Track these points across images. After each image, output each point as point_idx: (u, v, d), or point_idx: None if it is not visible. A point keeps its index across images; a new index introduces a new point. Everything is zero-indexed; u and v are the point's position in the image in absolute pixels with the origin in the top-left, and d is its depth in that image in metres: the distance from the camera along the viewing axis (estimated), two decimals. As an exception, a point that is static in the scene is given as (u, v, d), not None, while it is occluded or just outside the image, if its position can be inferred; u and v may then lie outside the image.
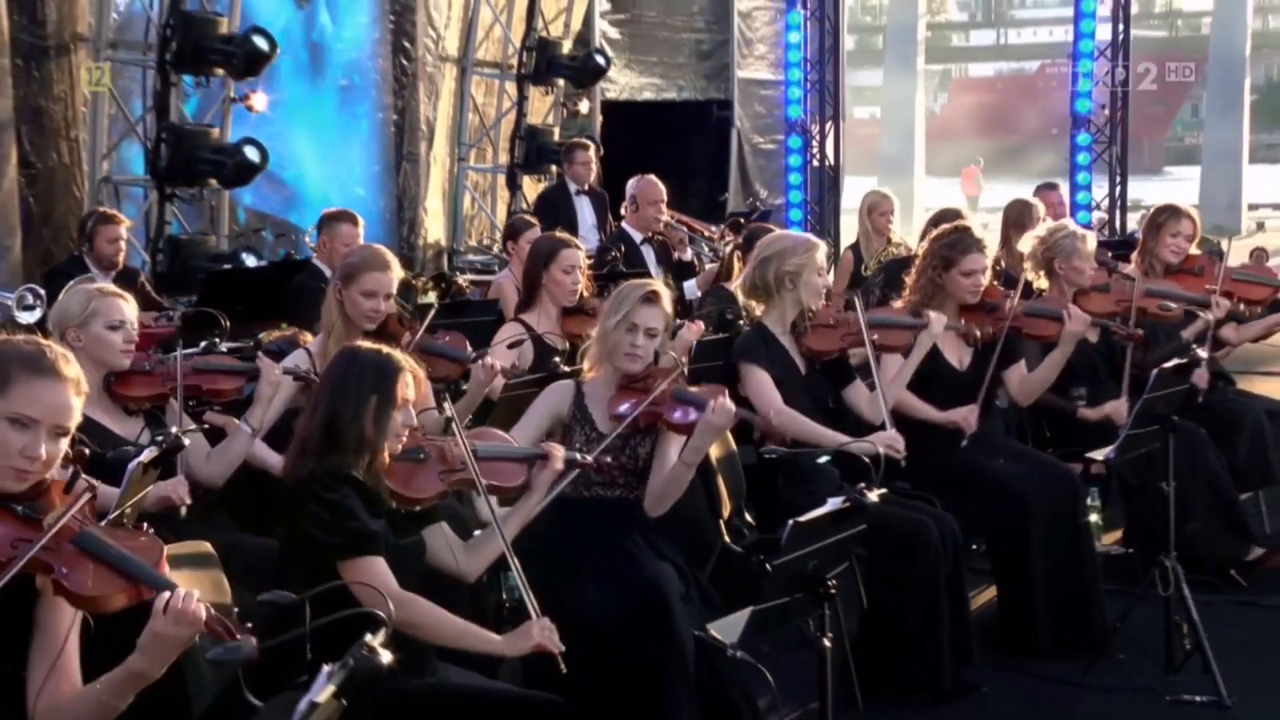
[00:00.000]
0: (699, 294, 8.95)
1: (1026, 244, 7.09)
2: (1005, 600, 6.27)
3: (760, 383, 5.87)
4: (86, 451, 4.17)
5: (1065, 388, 6.77)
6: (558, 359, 5.97)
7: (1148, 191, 25.78)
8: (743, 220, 11.38)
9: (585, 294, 6.75)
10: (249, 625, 3.14)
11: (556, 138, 14.35)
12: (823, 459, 5.12)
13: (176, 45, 10.62)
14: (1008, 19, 58.67)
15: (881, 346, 6.10)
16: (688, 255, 10.14)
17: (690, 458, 4.96)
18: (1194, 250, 7.59)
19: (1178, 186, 33.23)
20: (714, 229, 11.12)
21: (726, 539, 5.78)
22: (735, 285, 7.01)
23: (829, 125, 17.04)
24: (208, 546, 4.29)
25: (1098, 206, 16.09)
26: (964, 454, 6.16)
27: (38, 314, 7.39)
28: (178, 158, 10.65)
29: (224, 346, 5.76)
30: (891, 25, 42.37)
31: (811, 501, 4.38)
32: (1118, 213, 16.13)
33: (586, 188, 11.31)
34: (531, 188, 14.21)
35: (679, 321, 6.71)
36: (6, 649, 3.20)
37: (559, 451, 4.55)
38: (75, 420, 3.23)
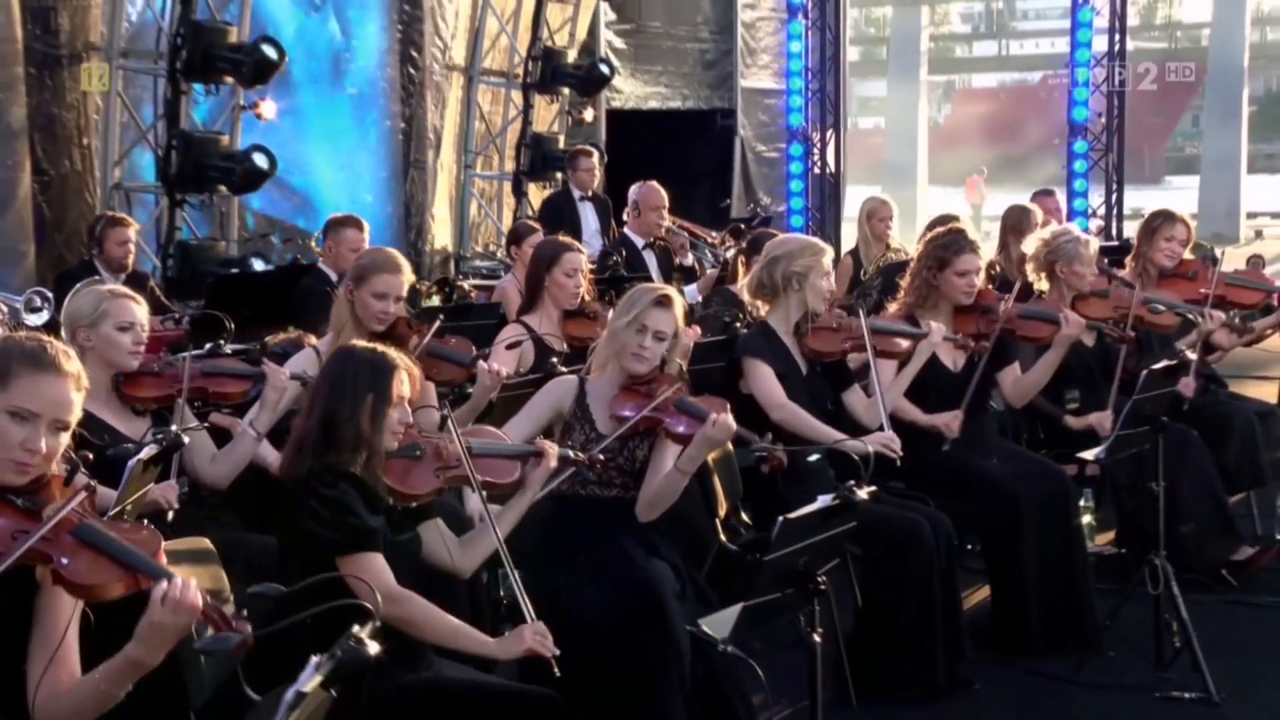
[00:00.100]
0: (700, 298, 8.95)
1: (1030, 246, 7.11)
2: (998, 598, 6.28)
3: (764, 378, 5.89)
4: (90, 456, 4.19)
5: (1059, 391, 6.77)
6: (555, 360, 5.96)
7: (1147, 201, 25.69)
8: (744, 226, 11.39)
9: (586, 298, 6.75)
10: (244, 612, 3.15)
11: (561, 145, 14.36)
12: (813, 457, 5.12)
13: (187, 54, 10.62)
14: (1010, 30, 58.65)
15: (881, 353, 6.11)
16: (689, 260, 10.16)
17: (686, 466, 4.95)
18: (1188, 255, 7.59)
19: (1177, 196, 33.20)
20: (715, 234, 11.11)
21: (723, 538, 5.77)
22: (740, 286, 7.03)
23: (829, 133, 17.07)
24: (207, 543, 4.30)
25: (1094, 213, 16.08)
26: (957, 454, 6.17)
27: (45, 316, 7.40)
28: (188, 164, 10.67)
29: (229, 349, 5.76)
30: (895, 37, 42.48)
31: (807, 501, 4.37)
32: (1114, 219, 16.11)
33: (590, 194, 11.32)
34: (537, 195, 14.21)
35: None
36: (6, 641, 3.20)
37: (553, 449, 4.55)
38: (75, 415, 3.24)
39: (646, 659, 4.62)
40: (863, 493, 4.32)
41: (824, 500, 4.25)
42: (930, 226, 7.55)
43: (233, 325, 6.33)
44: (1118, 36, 16.04)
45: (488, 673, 4.59)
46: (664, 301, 5.06)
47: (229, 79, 10.85)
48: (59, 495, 3.16)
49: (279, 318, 7.68)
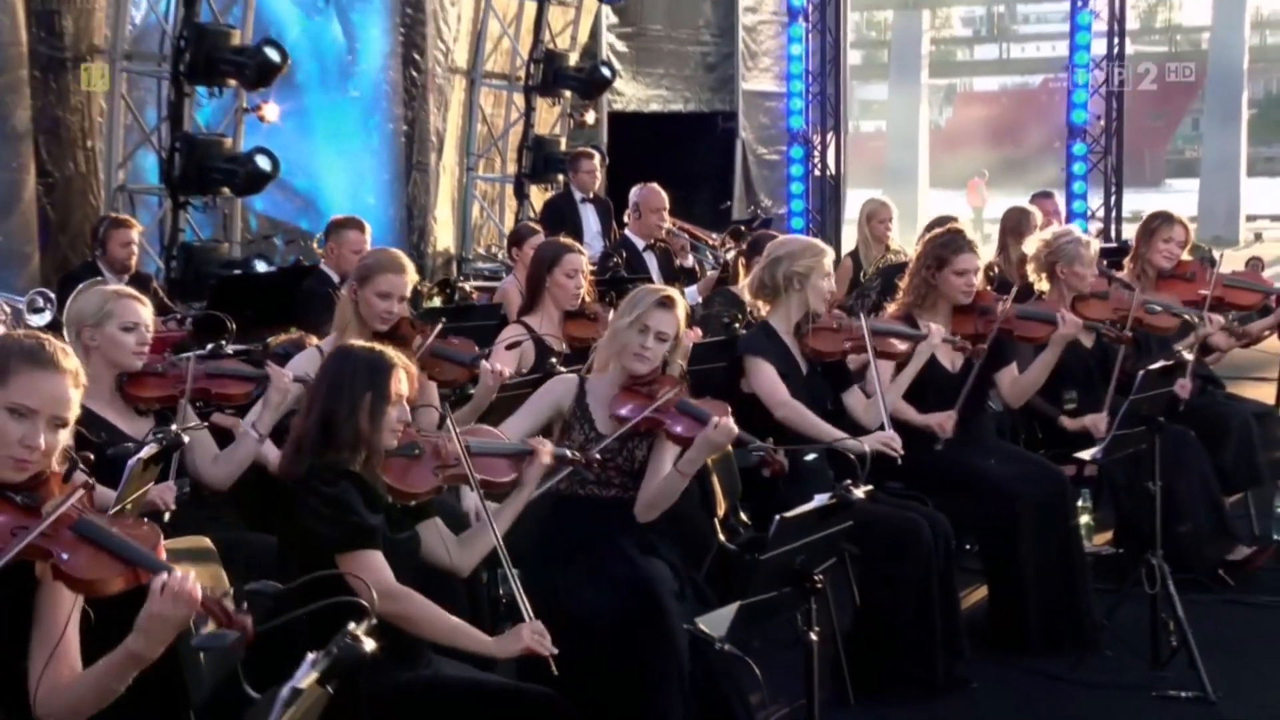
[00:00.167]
0: (700, 299, 8.95)
1: (1031, 246, 7.12)
2: (996, 597, 6.28)
3: (767, 376, 5.89)
4: (91, 456, 4.19)
5: (1058, 391, 6.77)
6: (554, 360, 5.96)
7: (1147, 204, 25.59)
8: (744, 228, 11.39)
9: (587, 299, 6.75)
10: (244, 605, 3.15)
11: (563, 148, 14.36)
12: (810, 457, 5.12)
13: (190, 57, 10.61)
14: (1010, 34, 58.65)
15: (881, 354, 6.12)
16: (689, 262, 10.17)
17: (686, 468, 4.96)
18: (1186, 257, 7.59)
19: (1177, 198, 33.15)
20: (715, 236, 11.11)
21: (722, 538, 5.77)
22: (741, 286, 7.03)
23: (830, 135, 17.10)
24: (206, 541, 4.29)
25: (1093, 215, 16.07)
26: (956, 455, 6.16)
27: (47, 317, 7.40)
28: (191, 167, 10.65)
29: (230, 349, 5.76)
30: (896, 40, 42.45)
31: (806, 500, 4.37)
32: (1113, 222, 16.11)
33: (591, 196, 11.33)
34: (539, 197, 14.21)
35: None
36: (6, 637, 3.21)
37: (549, 447, 4.56)
38: (74, 412, 3.26)
39: (645, 658, 4.61)
40: (859, 492, 4.32)
41: (820, 499, 4.26)
42: (929, 228, 7.56)
43: (234, 326, 6.33)
44: (1116, 40, 16.05)
45: (486, 671, 4.61)
46: (667, 303, 5.06)
47: (232, 82, 10.84)
48: (58, 492, 3.17)
49: (281, 319, 7.68)
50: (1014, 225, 9.19)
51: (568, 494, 4.99)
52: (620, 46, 16.43)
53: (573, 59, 14.96)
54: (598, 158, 11.68)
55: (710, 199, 16.99)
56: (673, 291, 5.21)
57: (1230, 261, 8.12)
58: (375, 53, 13.72)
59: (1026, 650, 6.04)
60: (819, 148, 17.13)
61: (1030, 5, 53.52)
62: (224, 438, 5.32)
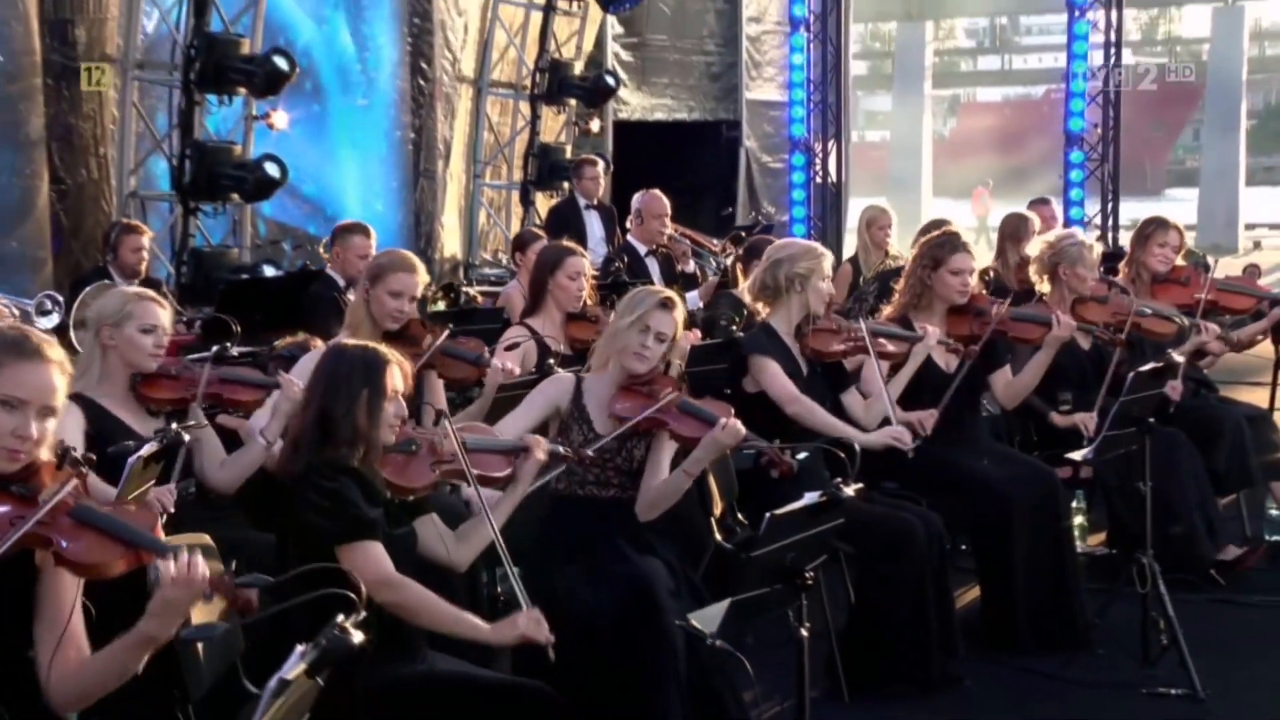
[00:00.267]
0: (701, 304, 8.95)
1: (1034, 248, 7.14)
2: (988, 596, 6.27)
3: (774, 374, 5.90)
4: (94, 457, 4.19)
5: (1053, 393, 6.76)
6: (552, 360, 5.96)
7: (1147, 213, 25.63)
8: (744, 234, 11.39)
9: (588, 302, 6.76)
10: (250, 575, 3.17)
11: (568, 155, 14.37)
12: (802, 455, 5.12)
13: (200, 65, 10.64)
14: (1013, 45, 58.61)
15: (878, 355, 6.12)
16: (690, 267, 10.18)
17: (692, 468, 4.97)
18: (1180, 261, 7.59)
19: (1176, 207, 33.12)
20: (716, 242, 11.12)
21: (718, 537, 5.76)
22: (741, 289, 7.04)
23: (831, 144, 17.13)
24: (207, 538, 4.28)
25: (1090, 223, 16.06)
26: (949, 455, 6.15)
27: (55, 320, 7.41)
28: (201, 173, 10.68)
29: (236, 351, 5.77)
30: (899, 51, 42.47)
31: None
32: (1110, 229, 16.09)
33: (595, 202, 11.35)
34: (544, 203, 14.24)
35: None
36: (9, 628, 3.22)
37: (543, 443, 4.56)
38: (61, 400, 3.28)
39: (642, 656, 4.60)
40: (850, 490, 4.32)
41: (811, 497, 4.25)
42: (924, 230, 7.58)
43: (239, 329, 6.34)
44: (1113, 49, 16.06)
45: (485, 665, 4.61)
46: (667, 304, 5.08)
47: (242, 90, 10.86)
48: (50, 480, 3.18)
49: (288, 322, 7.68)
50: (1012, 231, 9.21)
51: (566, 494, 4.99)
52: (625, 56, 16.47)
53: (578, 68, 14.99)
54: (601, 165, 11.70)
55: (714, 206, 17.02)
56: (672, 293, 5.22)
57: (1228, 269, 8.12)
58: (384, 61, 13.75)
59: (1019, 649, 6.04)
60: (820, 155, 17.15)
61: (1032, 17, 53.43)
62: (225, 438, 5.32)
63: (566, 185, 13.53)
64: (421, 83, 13.73)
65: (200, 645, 3.92)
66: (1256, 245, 30.35)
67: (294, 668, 2.73)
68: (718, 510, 5.83)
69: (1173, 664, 5.65)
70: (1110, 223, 16.19)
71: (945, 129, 57.14)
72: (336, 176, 13.47)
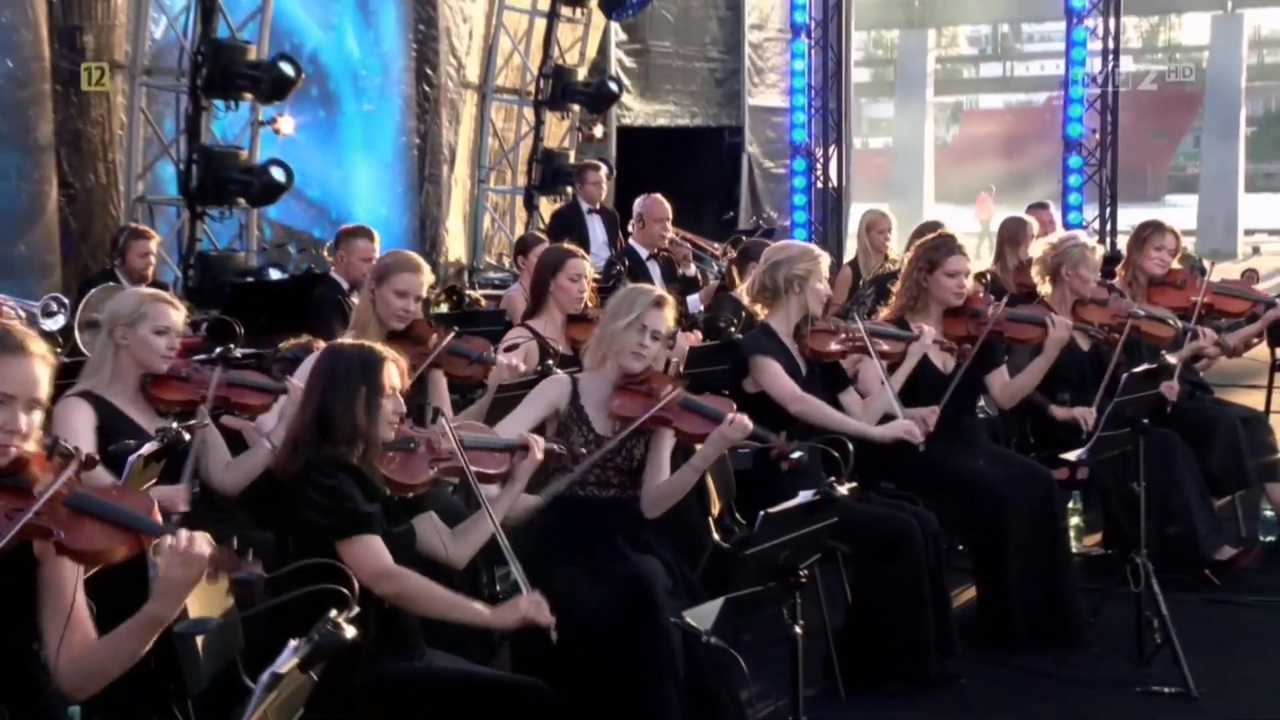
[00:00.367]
0: (701, 307, 8.96)
1: (1037, 249, 7.17)
2: (984, 596, 6.26)
3: (776, 374, 5.89)
4: (83, 450, 4.19)
5: (1052, 393, 6.77)
6: (551, 360, 5.96)
7: (1148, 218, 25.65)
8: (745, 238, 11.39)
9: (590, 304, 6.76)
10: (250, 553, 3.17)
11: (572, 160, 14.39)
12: (796, 454, 5.11)
13: (207, 71, 10.66)
14: (1015, 53, 58.62)
15: (876, 354, 6.12)
16: (691, 270, 10.17)
17: (700, 464, 4.99)
18: (1176, 265, 7.58)
19: (1176, 213, 33.12)
20: (718, 246, 11.12)
21: (716, 537, 5.76)
22: (739, 290, 7.03)
23: (832, 149, 17.16)
24: (206, 536, 4.27)
25: (1088, 227, 16.07)
26: (945, 456, 6.14)
27: (61, 321, 7.42)
28: (208, 178, 10.71)
29: (239, 353, 5.77)
30: (901, 58, 42.48)
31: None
32: (1108, 234, 16.10)
33: (598, 206, 11.35)
34: (548, 208, 14.25)
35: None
36: (9, 619, 3.22)
37: (539, 441, 4.55)
38: (46, 392, 3.28)
39: (641, 655, 4.59)
40: (843, 489, 4.32)
41: (805, 495, 4.25)
42: (918, 233, 7.59)
43: (243, 330, 6.34)
44: (1111, 55, 16.10)
45: (485, 664, 4.61)
46: (661, 302, 5.09)
47: (248, 95, 10.88)
48: (42, 472, 3.17)
49: (293, 325, 7.69)
50: (1011, 235, 9.23)
51: (567, 494, 4.97)
52: (629, 63, 16.48)
53: (581, 74, 15.00)
54: (604, 170, 11.71)
55: (717, 211, 17.06)
56: (663, 291, 5.23)
57: (1226, 274, 8.12)
58: (389, 67, 13.76)
59: (1014, 648, 6.03)
60: (821, 161, 17.18)
61: (1034, 25, 53.43)
62: (228, 438, 5.32)
63: (570, 190, 13.53)
64: (427, 88, 13.74)
65: (200, 642, 3.93)
66: (1256, 250, 30.20)
67: (287, 662, 2.72)
68: (716, 510, 5.83)
69: (1166, 662, 5.64)
70: (1108, 227, 16.21)
71: (948, 135, 57.15)
72: (342, 181, 13.48)
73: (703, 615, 4.14)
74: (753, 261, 7.00)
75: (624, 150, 15.96)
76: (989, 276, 8.59)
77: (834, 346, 6.08)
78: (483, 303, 10.33)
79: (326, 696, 3.84)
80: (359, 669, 3.97)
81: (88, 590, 3.32)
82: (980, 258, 11.53)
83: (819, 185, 17.17)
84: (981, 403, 7.14)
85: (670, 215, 9.92)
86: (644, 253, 9.83)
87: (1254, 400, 8.76)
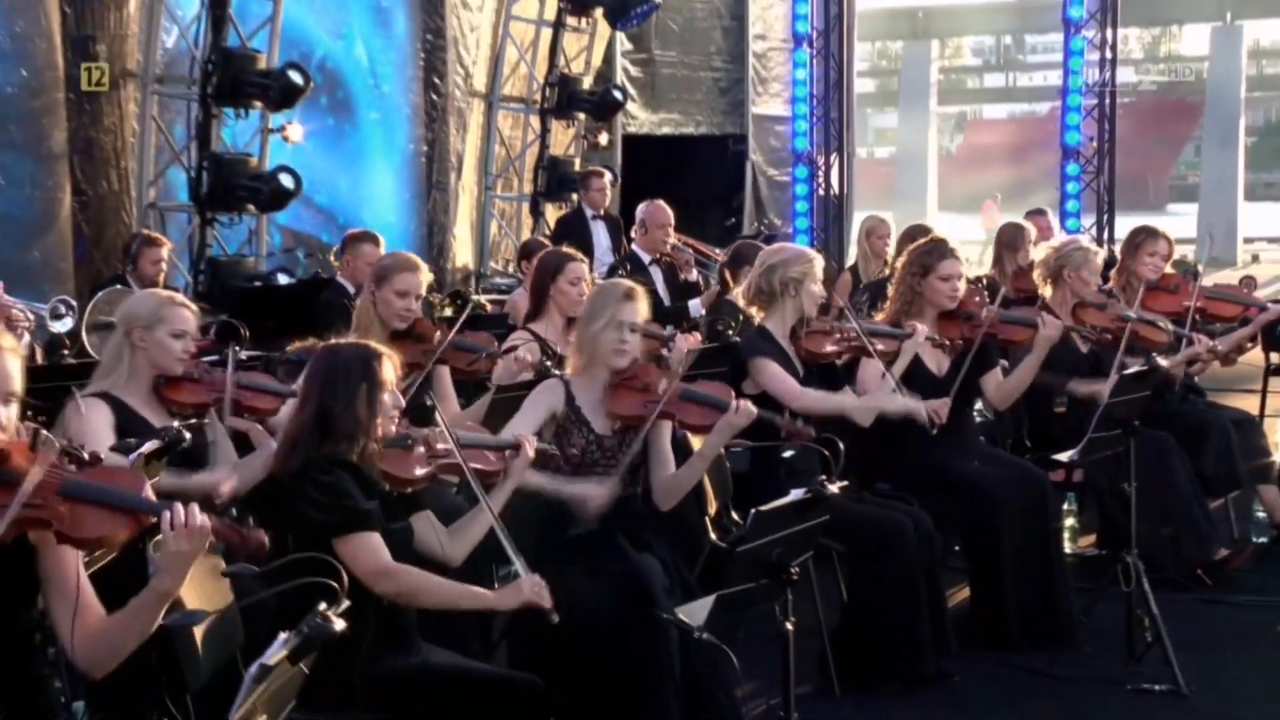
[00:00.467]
0: (702, 311, 8.96)
1: (1039, 253, 7.21)
2: (977, 595, 6.27)
3: (775, 374, 5.90)
4: (101, 456, 4.19)
5: (1050, 394, 6.77)
6: (549, 362, 5.97)
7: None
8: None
9: (590, 307, 6.76)
10: (249, 521, 3.17)
11: (577, 168, 14.39)
12: (788, 453, 5.12)
13: (218, 80, 10.67)
14: (1018, 63, 58.58)
15: (882, 410, 6.12)
16: (693, 276, 10.16)
17: (708, 453, 5.03)
18: (1169, 270, 7.58)
19: (1177, 221, 33.09)
20: (719, 251, 11.10)
21: (713, 537, 5.76)
22: (735, 293, 7.04)
23: (834, 157, 17.19)
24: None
25: (1086, 233, 16.08)
26: (941, 457, 6.15)
27: (69, 324, 7.42)
28: (218, 185, 10.72)
29: (244, 354, 5.78)
30: (905, 69, 42.47)
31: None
32: (1106, 241, 16.08)
33: (602, 213, 11.35)
34: (554, 215, 14.23)
35: (673, 331, 6.76)
36: (7, 610, 3.22)
37: (532, 441, 4.56)
38: (19, 384, 3.28)
39: (640, 653, 4.59)
40: (834, 487, 4.32)
41: (796, 494, 4.25)
42: (908, 237, 7.61)
43: (247, 333, 6.36)
44: (1109, 64, 16.13)
45: (485, 659, 4.61)
46: (631, 294, 5.10)
47: (258, 103, 10.90)
48: (24, 462, 3.16)
49: (300, 328, 7.70)
50: (1009, 240, 9.25)
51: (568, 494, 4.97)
52: (634, 71, 16.49)
53: (586, 83, 15.00)
54: (608, 176, 11.72)
55: (721, 218, 17.07)
56: (630, 283, 5.26)
57: (1226, 282, 8.14)
58: (398, 76, 13.77)
59: (1008, 646, 6.03)
60: (823, 169, 17.21)
61: (1037, 36, 53.41)
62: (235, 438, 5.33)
63: (575, 197, 13.55)
64: (434, 97, 13.76)
65: (199, 637, 3.93)
66: (1255, 258, 30.25)
67: (276, 654, 2.73)
68: (713, 510, 5.83)
69: (1157, 661, 5.64)
70: (1106, 234, 16.21)
71: (952, 145, 57.13)
72: (351, 188, 13.49)
73: (695, 611, 4.14)
74: (745, 265, 7.02)
75: (629, 158, 15.95)
76: (985, 281, 8.57)
77: (830, 347, 6.08)
78: (488, 308, 10.33)
79: (324, 692, 3.86)
80: (357, 666, 3.98)
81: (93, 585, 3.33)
82: (982, 264, 11.53)
83: (821, 193, 17.19)
84: (979, 405, 7.13)
85: (672, 221, 9.92)
86: (646, 258, 9.83)
87: (1248, 404, 8.76)
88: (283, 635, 2.78)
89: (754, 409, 4.97)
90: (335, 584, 3.01)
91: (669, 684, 4.56)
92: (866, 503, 5.90)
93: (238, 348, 5.69)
